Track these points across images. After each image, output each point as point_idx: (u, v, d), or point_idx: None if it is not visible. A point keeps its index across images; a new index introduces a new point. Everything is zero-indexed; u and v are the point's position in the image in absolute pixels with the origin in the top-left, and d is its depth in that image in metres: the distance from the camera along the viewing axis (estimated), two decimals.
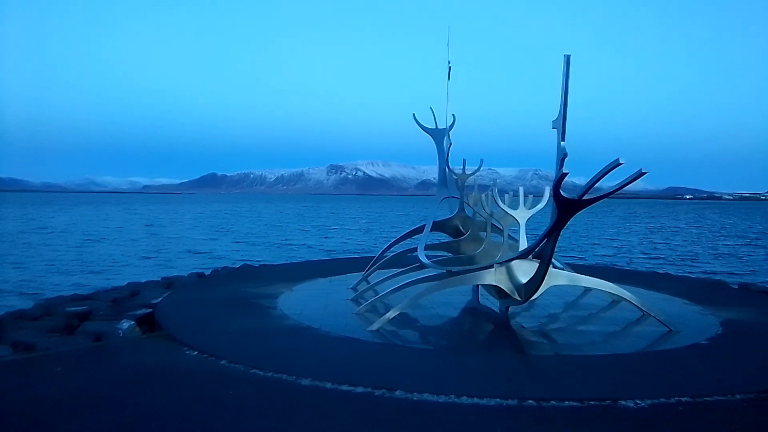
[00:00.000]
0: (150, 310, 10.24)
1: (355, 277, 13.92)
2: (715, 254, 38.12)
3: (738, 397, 6.18)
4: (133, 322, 9.35)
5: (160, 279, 15.60)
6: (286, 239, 46.48)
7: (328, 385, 6.41)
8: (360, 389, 6.27)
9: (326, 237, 49.82)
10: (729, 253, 39.13)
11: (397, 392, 6.16)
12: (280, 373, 6.78)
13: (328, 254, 32.49)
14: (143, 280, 15.52)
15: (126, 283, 15.07)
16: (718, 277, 19.00)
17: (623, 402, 5.95)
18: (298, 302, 11.29)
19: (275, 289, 12.56)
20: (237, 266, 17.63)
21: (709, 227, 72.12)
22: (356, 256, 24.92)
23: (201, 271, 17.16)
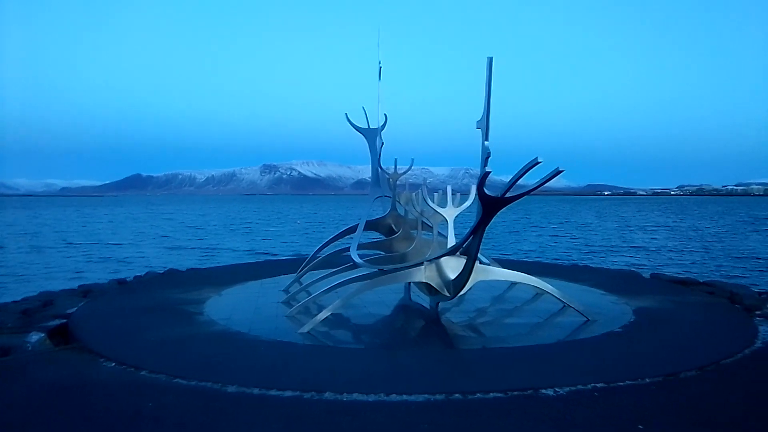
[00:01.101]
0: (64, 320, 9.58)
1: (287, 279, 13.69)
2: (630, 247, 40.71)
3: (648, 380, 6.61)
4: (43, 335, 8.69)
5: (76, 287, 14.61)
6: (216, 242, 45.05)
7: (256, 390, 6.25)
8: (288, 393, 6.16)
9: (258, 239, 48.74)
10: (643, 245, 41.94)
11: (327, 394, 6.11)
12: (204, 382, 6.54)
13: (259, 256, 31.75)
14: (57, 289, 14.49)
15: (38, 292, 14.01)
16: (632, 268, 20.29)
17: (544, 390, 6.21)
18: (227, 307, 10.96)
19: (202, 294, 12.12)
20: (162, 271, 16.86)
21: (625, 221, 76.95)
22: (289, 257, 24.51)
23: (122, 277, 16.27)
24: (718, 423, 5.41)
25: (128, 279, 15.37)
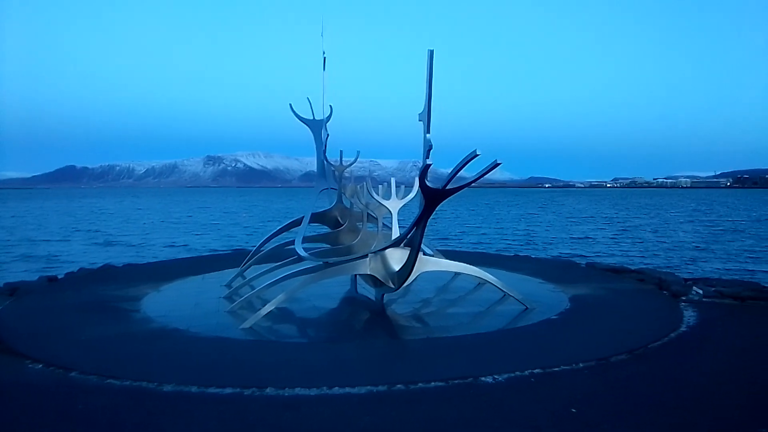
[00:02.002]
0: None
1: (230, 273, 13.37)
2: (569, 237, 42.36)
3: (581, 365, 6.91)
4: None
5: (1, 285, 13.70)
6: (155, 237, 43.39)
7: (194, 389, 6.08)
8: (228, 390, 6.03)
9: (200, 233, 47.33)
10: (580, 235, 43.74)
11: (268, 390, 6.03)
12: (139, 381, 6.30)
13: (201, 251, 30.80)
14: None
15: None
16: (569, 258, 21.11)
17: (483, 378, 6.38)
18: (165, 303, 10.59)
19: (139, 290, 11.66)
20: (96, 267, 16.07)
21: (563, 213, 79.98)
22: (232, 251, 23.94)
23: (53, 274, 15.38)
24: (647, 404, 5.71)
25: (59, 276, 14.55)
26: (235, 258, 15.44)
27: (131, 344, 7.82)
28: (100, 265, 16.53)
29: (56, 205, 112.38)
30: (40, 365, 6.95)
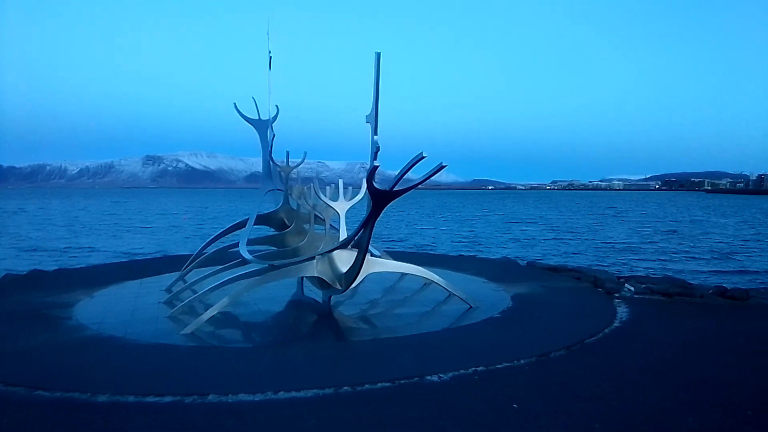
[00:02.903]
0: None
1: (170, 277, 12.91)
2: (510, 238, 43.68)
3: (522, 361, 7.13)
4: None
5: None
6: (89, 240, 41.28)
7: (131, 398, 5.82)
8: (168, 399, 5.81)
9: (138, 235, 45.44)
10: (521, 235, 45.19)
11: (210, 396, 5.85)
12: (71, 392, 5.97)
13: (138, 255, 29.52)
14: None
15: None
16: (511, 258, 21.76)
17: (429, 377, 6.46)
18: (100, 310, 10.09)
19: (72, 296, 11.06)
20: (24, 273, 15.09)
21: (507, 214, 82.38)
22: (173, 254, 23.13)
23: None
24: (584, 397, 5.96)
25: None
26: (175, 262, 14.93)
27: (62, 353, 7.40)
28: (28, 270, 15.54)
29: None
30: None
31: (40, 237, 42.91)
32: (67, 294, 11.28)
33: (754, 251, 33.74)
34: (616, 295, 11.42)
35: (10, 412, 5.46)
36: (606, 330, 8.76)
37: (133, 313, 9.85)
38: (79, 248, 35.14)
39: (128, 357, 7.28)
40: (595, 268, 16.81)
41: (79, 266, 17.82)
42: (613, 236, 44.24)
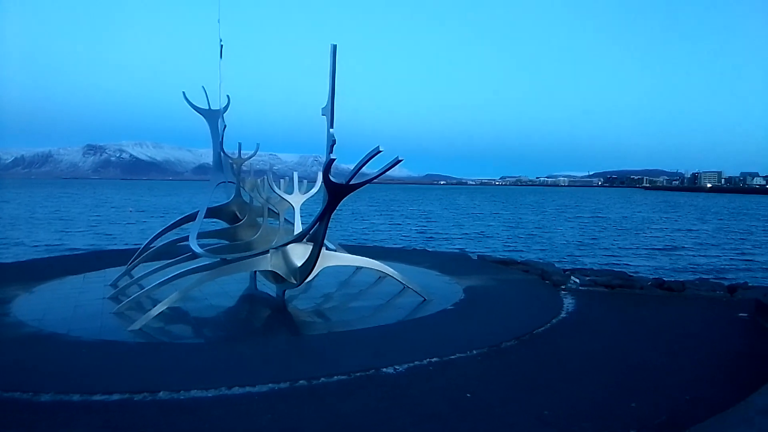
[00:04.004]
0: None
1: (114, 272, 12.43)
2: (462, 232, 44.53)
3: (475, 352, 7.32)
4: None
5: None
6: (24, 233, 39.09)
7: (76, 397, 5.60)
8: (116, 396, 5.62)
9: (78, 229, 43.41)
10: (473, 230, 46.15)
11: (161, 393, 5.71)
12: (11, 392, 5.69)
13: (79, 250, 28.20)
14: None
15: None
16: (463, 251, 22.20)
17: (384, 369, 6.54)
18: (40, 305, 9.61)
19: (8, 292, 10.50)
20: None
21: (459, 208, 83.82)
22: (117, 248, 22.25)
23: None
24: (534, 385, 6.18)
25: None
26: (119, 256, 14.39)
27: (0, 351, 7.01)
28: None
29: None
30: None
31: None
32: (3, 289, 10.67)
33: (692, 246, 35.78)
34: (563, 287, 11.86)
35: None
36: (553, 320, 9.10)
37: (76, 309, 9.43)
38: (11, 241, 33.20)
39: (72, 354, 6.98)
40: (542, 261, 17.40)
41: (13, 260, 16.87)
42: (559, 231, 45.90)
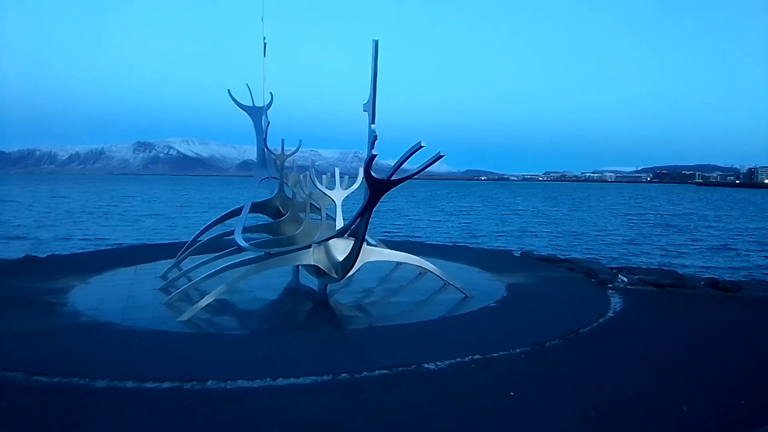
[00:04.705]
0: None
1: (164, 264, 12.88)
2: (504, 228, 43.89)
3: (518, 350, 7.21)
4: None
5: None
6: (81, 226, 41.03)
7: (129, 384, 5.84)
8: (167, 384, 5.84)
9: (131, 222, 45.19)
10: (515, 227, 45.42)
11: (209, 383, 5.89)
12: (69, 377, 5.98)
13: (132, 242, 29.36)
14: None
15: None
16: (505, 248, 21.88)
17: (426, 365, 6.53)
18: (95, 296, 10.07)
19: (66, 282, 11.03)
20: (18, 258, 14.98)
21: (501, 205, 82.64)
22: (167, 241, 23.03)
23: None
24: (580, 385, 6.05)
25: None
26: (169, 249, 14.88)
27: (59, 339, 7.39)
28: (21, 256, 15.43)
29: None
30: None
31: (28, 224, 42.54)
32: (61, 280, 11.24)
33: (749, 245, 34.11)
34: (610, 285, 11.53)
35: (9, 397, 5.46)
36: (600, 320, 8.86)
37: (129, 300, 9.83)
38: (68, 234, 34.90)
39: (126, 343, 7.29)
40: (588, 259, 16.96)
41: (71, 252, 17.72)
42: (607, 227, 44.58)
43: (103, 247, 22.61)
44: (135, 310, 9.01)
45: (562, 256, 16.14)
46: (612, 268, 13.59)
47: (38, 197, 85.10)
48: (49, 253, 16.69)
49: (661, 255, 28.45)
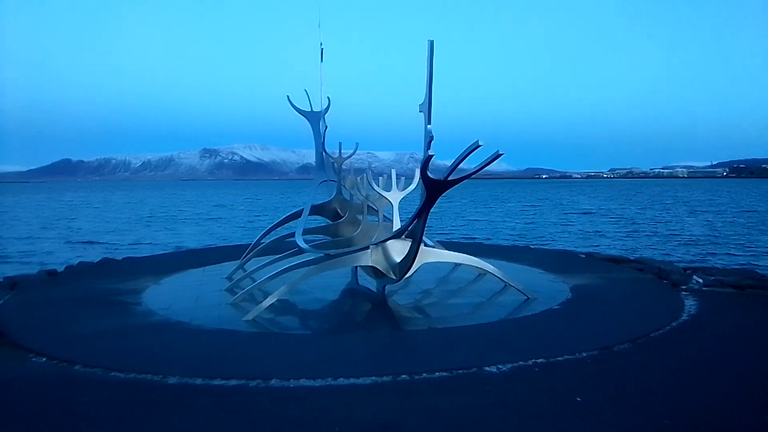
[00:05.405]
0: None
1: (230, 266, 13.38)
2: (566, 228, 42.47)
3: (584, 354, 6.94)
4: None
5: (1, 279, 13.67)
6: (151, 230, 43.35)
7: (199, 381, 6.09)
8: (234, 382, 6.04)
9: (197, 226, 47.29)
10: (579, 226, 43.85)
11: (273, 381, 6.04)
12: (144, 374, 6.31)
13: (200, 243, 30.72)
14: None
15: None
16: (568, 248, 21.16)
17: (487, 368, 6.40)
18: (166, 296, 10.59)
19: (140, 283, 11.65)
20: (96, 261, 16.03)
21: (562, 203, 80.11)
22: (231, 244, 23.91)
23: (53, 268, 15.34)
24: (650, 392, 5.74)
25: (59, 270, 14.53)
26: (234, 251, 15.43)
27: (134, 337, 7.83)
28: (99, 258, 16.49)
29: (54, 198, 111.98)
30: (44, 358, 6.95)
31: (106, 229, 45.41)
32: (135, 281, 11.89)
33: None
34: (683, 287, 10.90)
35: (91, 392, 5.83)
36: (673, 323, 8.38)
37: (197, 300, 10.27)
38: (143, 238, 36.94)
39: (195, 341, 7.61)
40: (659, 259, 16.11)
41: (145, 255, 18.73)
42: (680, 226, 42.20)
43: (174, 250, 23.80)
44: (203, 310, 9.40)
45: (630, 257, 15.42)
46: (685, 269, 12.85)
47: (114, 203, 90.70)
48: (125, 256, 17.74)
49: (741, 255, 26.58)
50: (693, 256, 26.29)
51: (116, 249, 29.98)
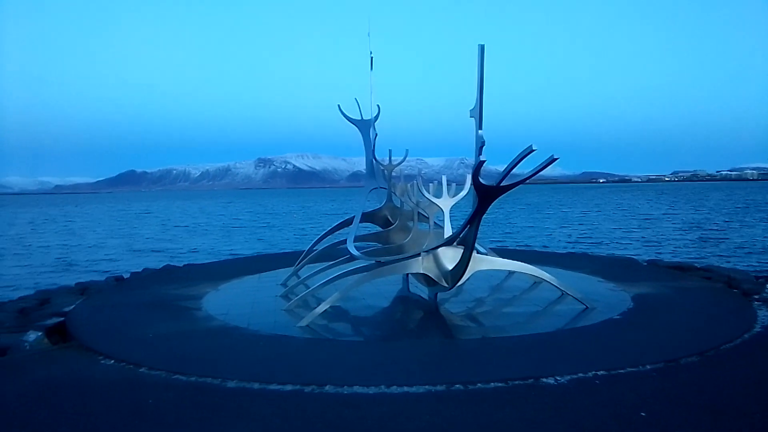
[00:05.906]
0: (61, 318, 9.53)
1: (284, 272, 13.65)
2: (627, 234, 40.80)
3: (648, 367, 6.62)
4: (41, 333, 8.64)
5: (73, 285, 14.53)
6: (212, 236, 44.96)
7: (256, 385, 6.23)
8: (289, 387, 6.14)
9: (254, 233, 48.66)
10: (640, 232, 42.04)
11: (327, 387, 6.10)
12: (204, 377, 6.52)
13: (256, 250, 31.61)
14: (54, 287, 14.41)
15: (34, 291, 13.93)
16: (629, 256, 20.31)
17: (545, 379, 6.21)
18: (225, 302, 10.93)
19: (200, 289, 12.08)
20: (159, 267, 16.80)
21: (622, 208, 77.10)
22: (286, 251, 24.44)
23: (119, 274, 16.19)
24: (720, 408, 5.41)
25: (125, 276, 15.31)
26: (288, 257, 15.74)
27: (195, 341, 8.12)
28: (163, 265, 17.26)
29: (121, 207, 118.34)
30: (112, 361, 7.31)
31: (168, 237, 47.50)
32: (195, 287, 12.33)
33: None
34: (755, 296, 10.22)
35: (155, 394, 6.08)
36: (745, 335, 7.88)
37: (254, 306, 10.54)
38: (203, 246, 38.37)
39: (252, 346, 7.81)
40: (729, 267, 15.21)
41: (204, 262, 19.44)
42: (752, 232, 39.69)
43: (230, 257, 24.57)
44: (259, 316, 9.63)
45: (697, 264, 14.63)
46: (758, 277, 12.06)
47: (175, 212, 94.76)
48: (186, 263, 18.49)
49: None
50: (766, 264, 24.64)
51: (177, 256, 31.28)
